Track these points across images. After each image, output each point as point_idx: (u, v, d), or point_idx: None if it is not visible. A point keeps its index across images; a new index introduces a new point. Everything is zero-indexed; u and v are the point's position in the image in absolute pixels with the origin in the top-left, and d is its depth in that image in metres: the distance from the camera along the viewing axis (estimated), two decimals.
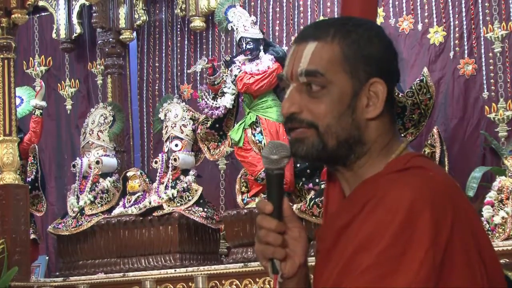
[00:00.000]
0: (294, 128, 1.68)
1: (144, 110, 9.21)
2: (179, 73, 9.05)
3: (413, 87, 6.83)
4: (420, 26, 7.84)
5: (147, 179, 7.77)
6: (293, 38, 8.40)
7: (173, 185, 7.51)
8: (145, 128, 9.19)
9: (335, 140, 1.65)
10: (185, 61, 8.99)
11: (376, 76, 1.67)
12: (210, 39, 8.90)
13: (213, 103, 7.47)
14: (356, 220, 1.62)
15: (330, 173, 1.82)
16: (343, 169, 1.71)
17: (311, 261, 1.72)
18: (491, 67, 7.53)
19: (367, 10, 1.98)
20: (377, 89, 1.66)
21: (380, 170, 1.66)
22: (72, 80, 9.54)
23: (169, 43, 9.12)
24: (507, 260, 5.78)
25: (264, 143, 7.17)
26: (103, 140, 8.04)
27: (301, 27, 8.37)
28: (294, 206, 6.72)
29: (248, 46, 7.30)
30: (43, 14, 9.56)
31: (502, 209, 6.27)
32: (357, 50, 1.67)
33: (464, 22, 7.68)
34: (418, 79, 6.92)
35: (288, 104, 1.67)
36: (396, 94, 6.46)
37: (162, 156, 7.63)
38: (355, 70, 1.66)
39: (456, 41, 7.70)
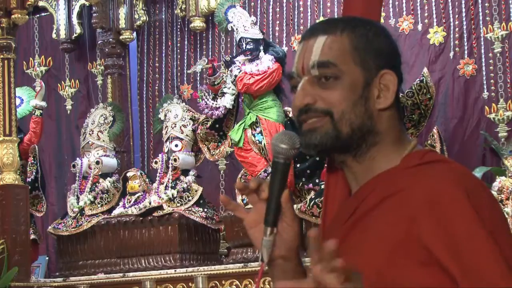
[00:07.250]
0: (307, 120, 1.69)
1: (144, 110, 9.21)
2: (179, 73, 9.05)
3: (413, 87, 6.82)
4: (420, 26, 7.84)
5: (147, 180, 7.76)
6: (293, 38, 8.41)
7: (173, 185, 7.50)
8: (145, 128, 9.19)
9: (349, 127, 1.66)
10: (185, 61, 8.99)
11: (386, 68, 1.70)
12: (210, 39, 8.90)
13: (213, 103, 7.46)
14: (371, 215, 1.63)
15: (330, 172, 1.82)
16: (352, 162, 1.71)
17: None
18: (491, 67, 7.53)
19: (369, 13, 2.00)
20: (387, 81, 1.69)
21: (396, 164, 1.67)
22: (72, 80, 9.54)
23: (169, 43, 9.12)
24: None
25: (264, 144, 7.16)
26: (103, 141, 8.03)
27: (301, 27, 8.40)
28: (294, 207, 6.71)
29: (248, 47, 7.29)
30: (43, 14, 9.55)
31: None
32: (366, 42, 1.70)
33: (464, 22, 7.67)
34: (418, 79, 6.90)
35: (301, 96, 1.68)
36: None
37: (162, 157, 7.63)
38: (365, 62, 1.69)
39: (456, 41, 7.69)
